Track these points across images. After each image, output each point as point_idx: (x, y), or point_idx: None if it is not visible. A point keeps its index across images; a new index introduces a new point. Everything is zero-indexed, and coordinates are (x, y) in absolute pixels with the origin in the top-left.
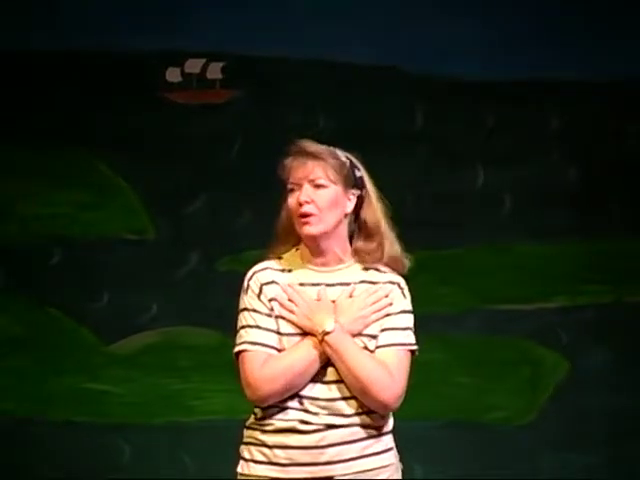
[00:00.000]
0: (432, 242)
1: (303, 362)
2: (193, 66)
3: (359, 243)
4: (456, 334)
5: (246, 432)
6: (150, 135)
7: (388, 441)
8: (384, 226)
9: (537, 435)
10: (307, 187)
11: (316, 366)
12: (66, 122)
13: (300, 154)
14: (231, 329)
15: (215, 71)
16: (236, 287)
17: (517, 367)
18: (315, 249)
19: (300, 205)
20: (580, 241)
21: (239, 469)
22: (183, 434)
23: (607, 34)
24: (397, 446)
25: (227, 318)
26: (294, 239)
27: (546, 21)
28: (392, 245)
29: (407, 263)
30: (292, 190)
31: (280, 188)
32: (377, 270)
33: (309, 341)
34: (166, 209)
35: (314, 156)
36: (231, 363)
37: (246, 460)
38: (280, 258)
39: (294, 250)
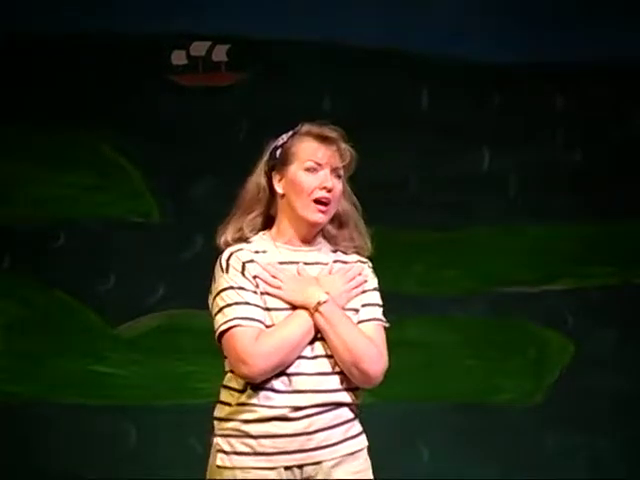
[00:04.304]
0: (437, 224)
1: (296, 335)
2: (199, 49)
3: (333, 231)
4: (461, 316)
5: (222, 424)
6: (155, 118)
7: (359, 424)
8: (355, 215)
9: (543, 417)
10: (330, 173)
11: (308, 339)
12: (72, 104)
13: (327, 139)
14: None
15: (220, 54)
16: None
17: (523, 349)
18: (306, 232)
19: (325, 189)
20: (586, 223)
21: (218, 462)
22: (189, 417)
23: (614, 16)
24: (401, 428)
25: None
26: (259, 211)
27: (552, 3)
28: (361, 232)
29: (370, 250)
30: (310, 169)
31: None
32: (344, 252)
33: (299, 314)
34: (171, 192)
35: (341, 145)
36: None
37: (227, 452)
38: (249, 242)
39: (261, 234)
